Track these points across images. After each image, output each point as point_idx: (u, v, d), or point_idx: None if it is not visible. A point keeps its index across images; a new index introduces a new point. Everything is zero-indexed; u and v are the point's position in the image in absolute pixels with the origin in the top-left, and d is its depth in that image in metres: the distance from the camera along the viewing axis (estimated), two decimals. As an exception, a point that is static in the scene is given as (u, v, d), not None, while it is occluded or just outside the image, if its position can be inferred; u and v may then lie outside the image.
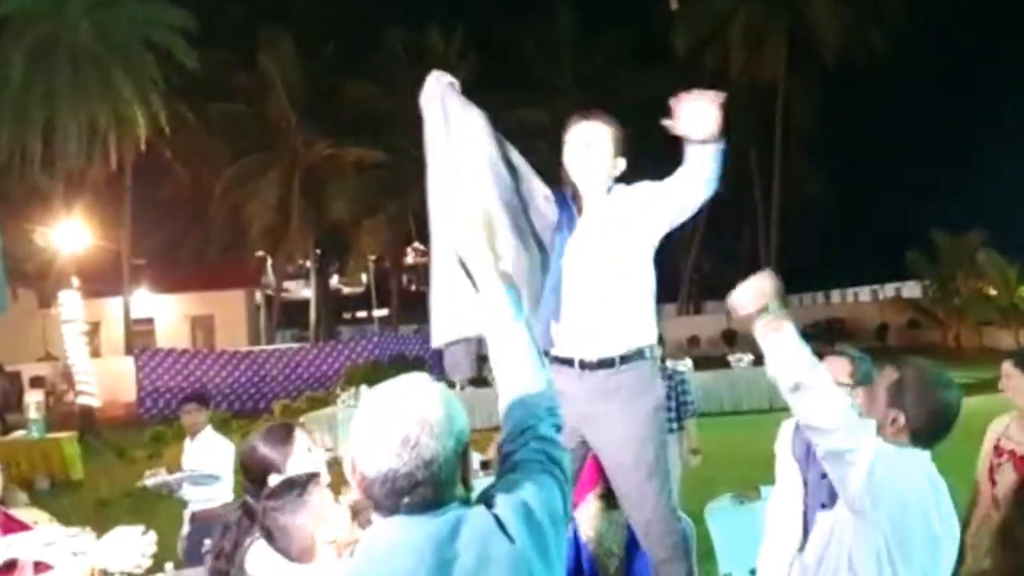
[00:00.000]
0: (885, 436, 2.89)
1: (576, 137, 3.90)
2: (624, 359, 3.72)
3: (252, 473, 3.30)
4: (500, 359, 2.26)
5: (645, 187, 3.91)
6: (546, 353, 3.61)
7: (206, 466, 7.10)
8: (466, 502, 1.86)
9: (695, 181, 4.00)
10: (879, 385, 2.99)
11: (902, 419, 2.88)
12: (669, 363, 8.44)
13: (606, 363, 3.71)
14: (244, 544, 3.03)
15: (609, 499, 3.97)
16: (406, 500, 1.76)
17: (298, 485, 2.90)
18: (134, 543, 3.12)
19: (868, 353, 4.19)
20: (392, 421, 1.76)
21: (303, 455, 3.28)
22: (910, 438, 2.89)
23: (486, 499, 1.91)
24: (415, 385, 1.86)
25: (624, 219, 3.79)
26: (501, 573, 1.78)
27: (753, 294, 3.02)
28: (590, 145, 3.86)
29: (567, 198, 3.88)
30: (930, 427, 2.90)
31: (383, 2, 39.31)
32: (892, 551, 2.74)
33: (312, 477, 2.96)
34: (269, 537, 2.85)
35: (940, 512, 2.82)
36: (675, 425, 7.97)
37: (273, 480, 3.18)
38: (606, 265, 3.74)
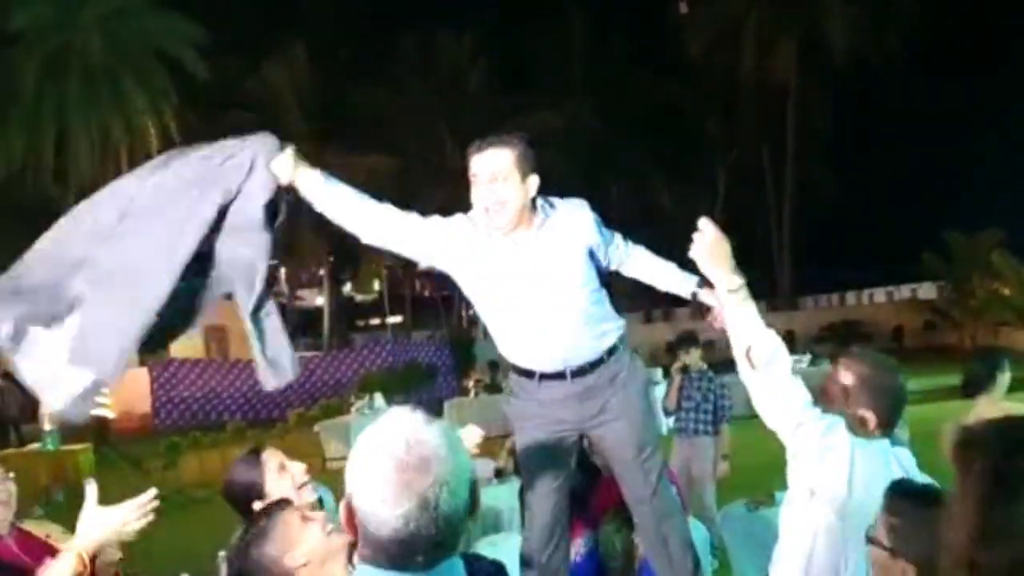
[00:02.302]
0: (857, 435, 2.90)
1: (477, 173, 3.60)
2: (608, 354, 3.76)
3: (240, 505, 3.25)
4: None
5: (586, 234, 3.71)
6: (530, 373, 3.70)
7: None
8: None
9: (628, 263, 3.94)
10: (831, 387, 2.98)
11: (871, 416, 2.90)
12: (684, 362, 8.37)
13: (595, 364, 3.73)
14: None
15: (627, 519, 3.96)
16: (419, 559, 1.66)
17: (261, 515, 2.82)
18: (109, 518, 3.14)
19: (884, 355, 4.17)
20: (407, 481, 1.63)
21: (276, 474, 3.25)
22: (879, 431, 2.92)
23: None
24: (419, 430, 1.71)
25: (563, 250, 3.65)
26: None
27: (714, 248, 3.00)
28: (495, 180, 3.54)
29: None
30: (895, 415, 2.97)
31: (393, 8, 39.41)
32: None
33: (277, 504, 2.88)
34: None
35: None
36: (711, 428, 7.96)
37: (258, 506, 3.16)
38: (569, 284, 3.66)
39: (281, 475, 3.26)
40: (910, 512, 2.41)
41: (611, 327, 3.80)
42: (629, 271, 3.89)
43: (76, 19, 26.46)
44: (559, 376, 3.72)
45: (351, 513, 1.70)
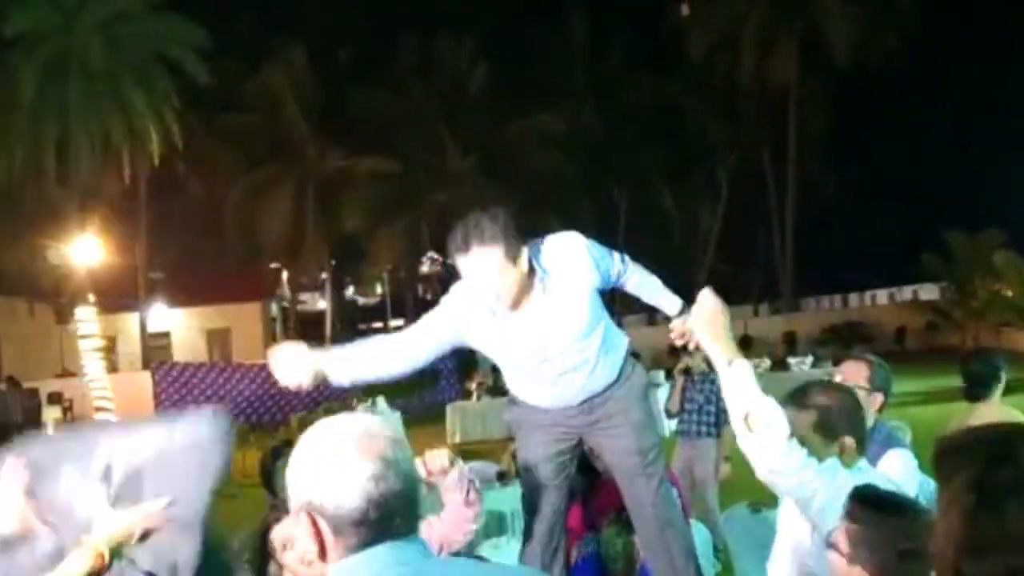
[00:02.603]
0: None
1: (467, 274, 3.50)
2: (616, 382, 3.80)
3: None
4: None
5: (587, 276, 3.65)
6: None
7: None
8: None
9: (625, 278, 3.90)
10: (802, 434, 2.87)
11: (851, 441, 2.92)
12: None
13: (603, 392, 3.78)
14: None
15: (628, 522, 3.96)
16: (397, 521, 1.68)
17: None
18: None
19: (887, 357, 4.20)
20: (361, 447, 1.68)
21: None
22: (858, 451, 2.96)
23: None
24: (352, 418, 1.79)
25: (570, 306, 3.62)
26: None
27: (714, 319, 2.93)
28: (488, 281, 3.43)
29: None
30: (862, 428, 3.03)
31: (394, 11, 39.35)
32: None
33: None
34: None
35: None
36: (714, 430, 7.97)
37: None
38: (580, 332, 3.65)
39: None
40: (869, 519, 2.39)
41: (620, 350, 3.84)
42: (626, 287, 3.91)
43: (76, 22, 26.54)
44: (580, 405, 3.79)
45: (313, 520, 1.68)
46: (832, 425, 2.93)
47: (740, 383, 2.83)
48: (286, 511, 3.06)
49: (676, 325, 3.80)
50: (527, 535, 3.89)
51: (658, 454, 3.88)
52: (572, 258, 3.62)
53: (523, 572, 1.90)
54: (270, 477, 3.79)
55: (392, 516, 1.67)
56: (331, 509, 1.66)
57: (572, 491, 3.98)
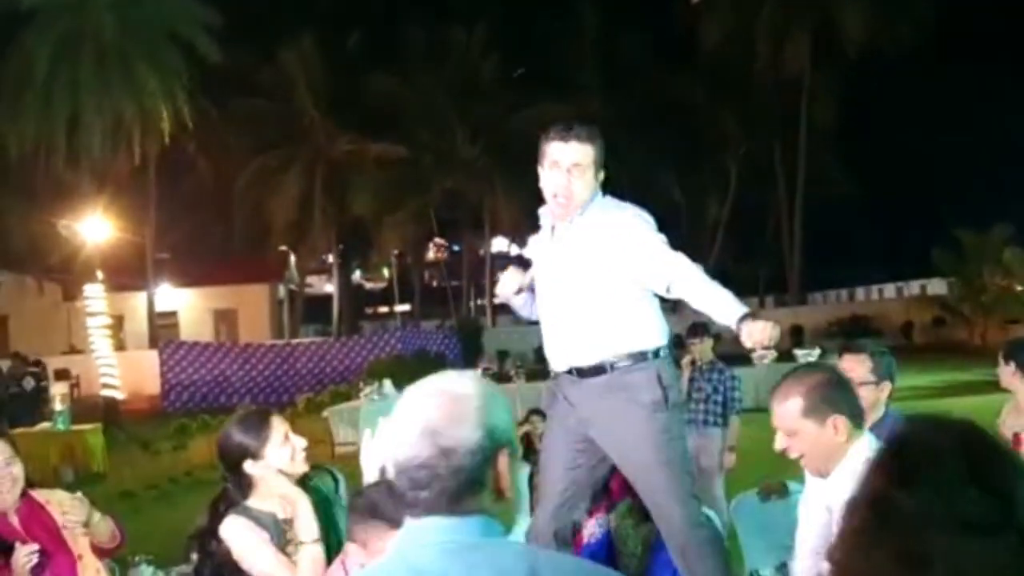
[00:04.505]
0: (839, 447, 2.86)
1: (558, 160, 3.64)
2: (614, 365, 3.70)
3: (227, 461, 3.31)
4: None
5: (630, 234, 3.68)
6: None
7: None
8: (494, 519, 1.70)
9: (677, 284, 3.63)
10: (794, 423, 2.89)
11: (843, 420, 2.86)
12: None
13: (600, 369, 3.70)
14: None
15: (639, 509, 3.96)
16: (424, 495, 1.62)
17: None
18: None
19: (893, 351, 4.16)
20: (415, 409, 1.65)
21: (280, 442, 3.27)
22: (855, 427, 2.89)
23: None
24: (452, 377, 1.73)
25: (587, 247, 3.68)
26: None
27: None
28: (572, 172, 3.62)
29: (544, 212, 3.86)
30: (854, 404, 2.94)
31: (407, -3, 39.40)
32: None
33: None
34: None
35: None
36: (721, 420, 7.98)
37: (249, 467, 3.24)
38: (584, 283, 3.70)
39: (283, 445, 3.27)
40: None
41: (629, 332, 3.73)
42: (677, 293, 3.64)
43: (89, 1, 26.49)
44: (567, 372, 3.78)
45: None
46: (816, 407, 2.87)
47: None
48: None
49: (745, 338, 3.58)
50: (537, 509, 3.88)
51: (660, 448, 3.70)
52: (620, 216, 3.74)
53: (569, 560, 1.85)
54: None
55: (421, 487, 1.62)
56: (393, 464, 1.67)
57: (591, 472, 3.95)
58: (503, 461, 1.67)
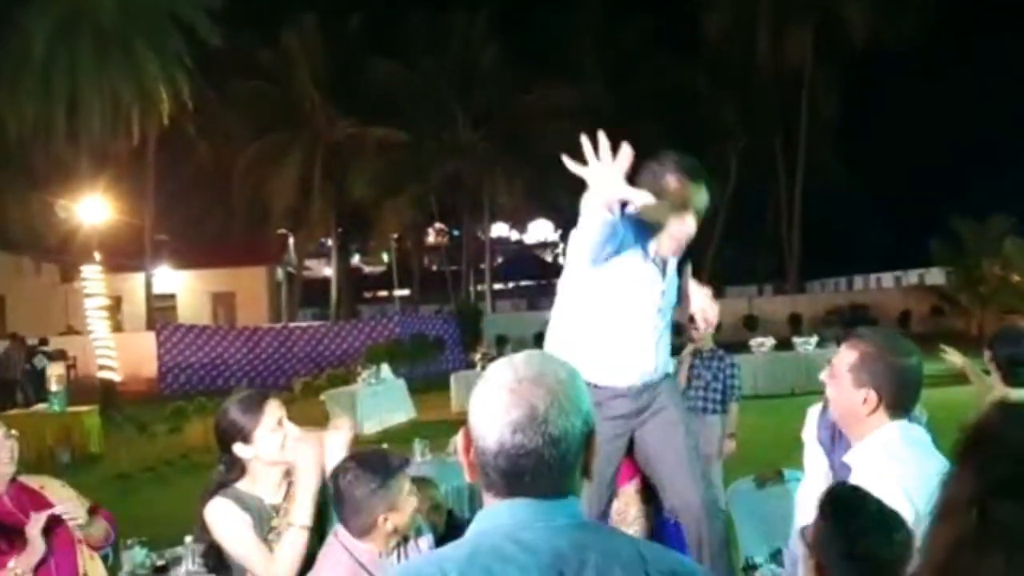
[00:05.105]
0: (860, 417, 2.86)
1: (695, 209, 3.69)
2: (663, 379, 3.90)
3: (220, 439, 3.32)
4: None
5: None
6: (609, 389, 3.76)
7: None
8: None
9: None
10: (839, 368, 2.92)
11: (873, 396, 2.83)
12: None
13: (651, 385, 3.83)
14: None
15: (644, 493, 3.96)
16: (527, 480, 1.63)
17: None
18: None
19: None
20: (519, 393, 1.64)
21: (272, 427, 3.26)
22: (887, 412, 2.85)
23: None
24: (544, 357, 1.74)
25: (671, 283, 3.87)
26: None
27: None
28: (698, 217, 3.70)
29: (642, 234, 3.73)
30: (902, 396, 2.86)
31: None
32: None
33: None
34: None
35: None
36: (720, 408, 7.99)
37: (239, 449, 3.24)
38: (659, 316, 3.82)
39: (275, 431, 3.26)
40: (826, 518, 2.37)
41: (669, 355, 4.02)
42: None
43: (89, -19, 26.37)
44: (619, 391, 3.79)
45: (469, 441, 1.70)
46: (861, 371, 2.87)
47: None
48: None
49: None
50: None
51: (698, 449, 3.97)
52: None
53: (662, 550, 1.84)
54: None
55: (521, 473, 1.62)
56: (477, 442, 1.67)
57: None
58: (593, 442, 1.70)
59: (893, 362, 2.87)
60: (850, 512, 2.34)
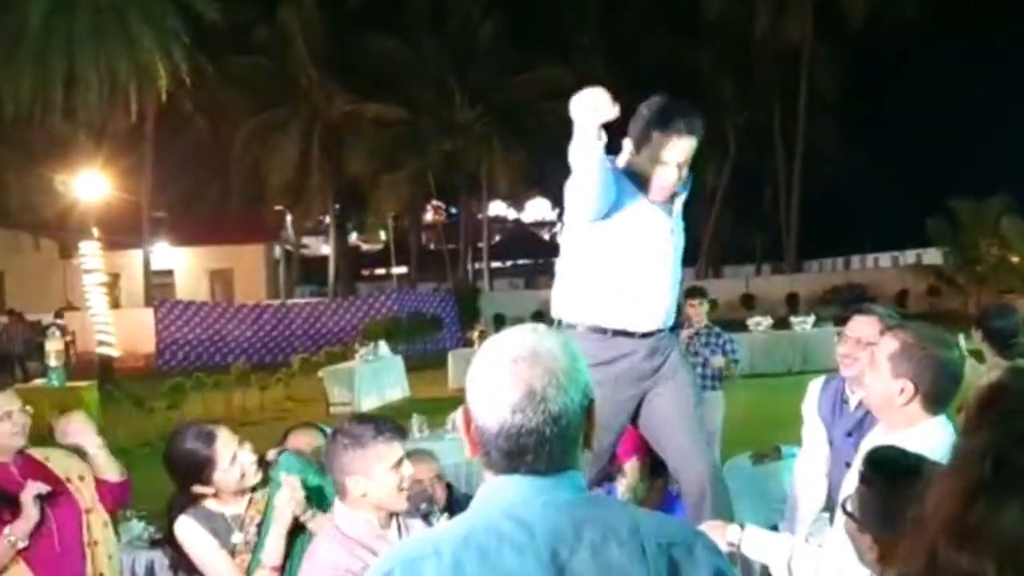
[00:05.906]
0: (895, 407, 2.82)
1: (680, 158, 3.70)
2: (672, 329, 3.94)
3: (180, 474, 3.40)
4: None
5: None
6: (627, 333, 3.78)
7: None
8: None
9: None
10: (879, 356, 2.87)
11: (911, 387, 2.78)
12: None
13: (656, 332, 3.82)
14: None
15: (652, 467, 3.96)
16: (528, 458, 1.64)
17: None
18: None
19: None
20: (516, 375, 1.64)
21: (226, 466, 3.31)
22: (923, 405, 2.80)
23: None
24: (538, 334, 1.72)
25: (678, 223, 3.89)
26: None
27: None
28: (684, 165, 3.71)
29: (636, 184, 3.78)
30: (939, 389, 2.81)
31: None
32: None
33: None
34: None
35: None
36: (718, 384, 8.04)
37: (199, 489, 3.35)
38: (669, 259, 3.84)
39: (232, 465, 3.31)
40: (878, 484, 2.26)
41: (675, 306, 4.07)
42: None
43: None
44: (626, 333, 3.79)
45: (468, 418, 1.71)
46: (897, 361, 2.82)
47: (759, 546, 2.91)
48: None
49: None
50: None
51: (703, 419, 4.00)
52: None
53: (659, 516, 1.85)
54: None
55: (523, 452, 1.63)
56: (477, 422, 1.68)
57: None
58: (593, 414, 1.71)
59: (935, 354, 2.81)
60: (908, 475, 2.17)
